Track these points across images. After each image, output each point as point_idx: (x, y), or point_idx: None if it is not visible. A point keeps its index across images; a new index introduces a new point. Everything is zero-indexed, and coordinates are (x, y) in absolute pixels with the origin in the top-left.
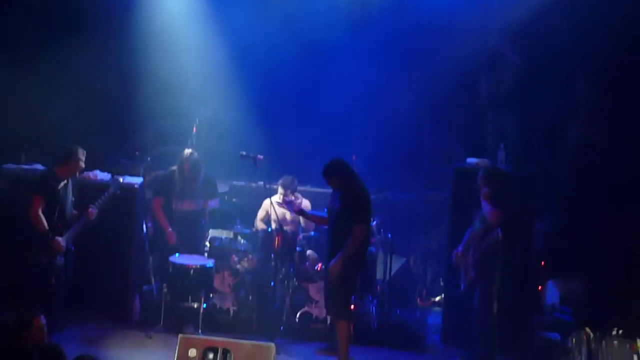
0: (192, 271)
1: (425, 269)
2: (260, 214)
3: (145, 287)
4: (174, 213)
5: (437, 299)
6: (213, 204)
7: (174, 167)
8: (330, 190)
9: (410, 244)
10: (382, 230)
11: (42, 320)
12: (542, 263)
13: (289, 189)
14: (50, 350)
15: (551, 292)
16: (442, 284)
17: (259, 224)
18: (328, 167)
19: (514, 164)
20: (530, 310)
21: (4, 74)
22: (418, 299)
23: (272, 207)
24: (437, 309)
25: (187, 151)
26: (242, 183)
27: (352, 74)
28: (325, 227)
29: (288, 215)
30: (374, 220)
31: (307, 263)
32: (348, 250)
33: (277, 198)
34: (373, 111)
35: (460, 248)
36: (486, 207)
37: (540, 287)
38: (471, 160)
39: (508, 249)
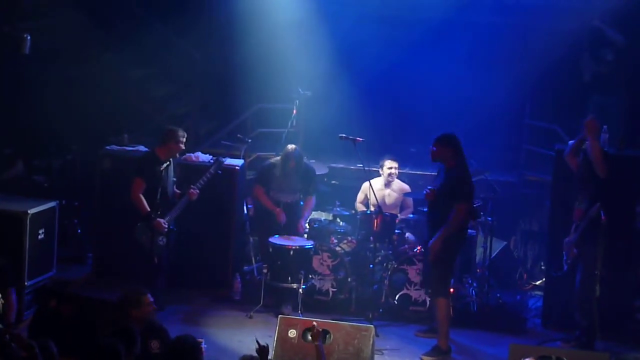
0: (291, 252)
1: (525, 252)
2: (360, 196)
3: (245, 267)
4: (274, 202)
5: (538, 283)
6: (308, 214)
7: (275, 159)
8: (429, 173)
9: (510, 226)
10: (482, 212)
11: (150, 297)
12: None
13: (395, 161)
14: (158, 330)
15: None
16: (543, 267)
17: (359, 207)
18: (441, 136)
19: (616, 145)
20: (633, 294)
21: (107, 54)
22: (519, 283)
23: (371, 189)
24: (538, 292)
25: (291, 147)
26: (341, 165)
27: (451, 56)
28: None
29: (387, 198)
30: (475, 203)
31: (406, 245)
32: (449, 228)
33: (378, 181)
34: (472, 92)
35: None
36: (589, 141)
37: None
38: (573, 142)
39: (610, 232)
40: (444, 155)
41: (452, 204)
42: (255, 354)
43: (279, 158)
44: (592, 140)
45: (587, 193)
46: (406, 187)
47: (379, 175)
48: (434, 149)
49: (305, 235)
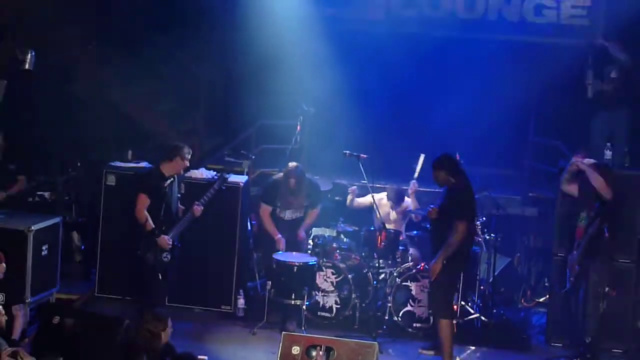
0: (295, 268)
1: (529, 269)
2: (362, 199)
3: (249, 283)
4: (278, 221)
5: (542, 300)
6: (310, 223)
7: (279, 176)
8: (433, 190)
9: (514, 243)
10: (486, 229)
11: (170, 321)
12: None
13: (397, 203)
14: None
15: None
16: (547, 284)
17: (350, 198)
18: (437, 160)
19: (621, 163)
20: (637, 311)
21: (111, 70)
22: (522, 300)
23: (375, 205)
24: (542, 309)
25: (293, 164)
26: (345, 182)
27: (454, 73)
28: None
29: (392, 214)
30: (478, 220)
31: (410, 262)
32: (449, 248)
33: (384, 201)
34: (477, 109)
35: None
36: (594, 178)
37: None
38: (564, 174)
39: (615, 248)
40: (441, 177)
41: (453, 223)
42: None
43: (282, 174)
44: (590, 174)
45: (591, 210)
46: (409, 204)
47: (384, 191)
48: (433, 174)
49: (309, 252)
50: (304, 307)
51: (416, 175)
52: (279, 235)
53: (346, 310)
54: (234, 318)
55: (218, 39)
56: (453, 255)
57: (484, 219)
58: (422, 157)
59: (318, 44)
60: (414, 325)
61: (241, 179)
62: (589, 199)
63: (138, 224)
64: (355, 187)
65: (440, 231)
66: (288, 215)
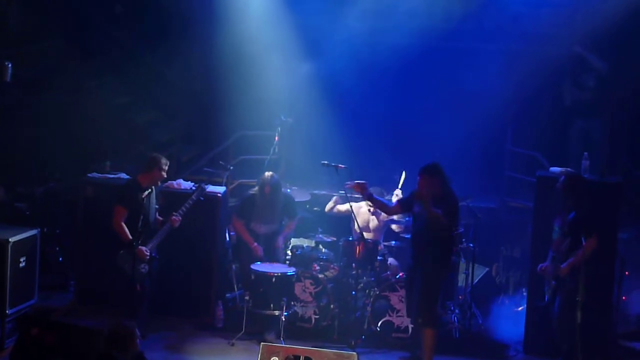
0: (273, 279)
1: (507, 278)
2: (341, 206)
3: (228, 294)
4: (254, 235)
5: (520, 309)
6: (288, 232)
7: (255, 190)
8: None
9: (492, 252)
10: (464, 239)
11: (137, 331)
12: (627, 273)
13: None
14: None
15: (636, 302)
16: (524, 293)
17: (329, 206)
18: (428, 167)
19: (598, 172)
20: (615, 320)
21: (90, 81)
22: (500, 309)
23: (353, 214)
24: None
25: (268, 174)
26: (323, 192)
27: (432, 82)
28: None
29: (372, 222)
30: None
31: (389, 272)
32: (448, 256)
33: (363, 209)
34: (454, 119)
35: (546, 263)
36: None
37: (624, 297)
38: (554, 169)
39: (593, 258)
40: (433, 185)
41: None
42: None
43: (257, 187)
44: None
45: (564, 225)
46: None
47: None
48: (422, 179)
49: (287, 262)
50: (283, 317)
51: (399, 187)
52: (256, 244)
53: (325, 320)
54: (212, 329)
55: (197, 50)
56: (442, 263)
57: (462, 228)
58: (403, 174)
59: (297, 54)
60: (393, 335)
61: (219, 189)
62: (563, 211)
63: (116, 235)
64: (338, 197)
65: (425, 238)
66: (263, 229)
